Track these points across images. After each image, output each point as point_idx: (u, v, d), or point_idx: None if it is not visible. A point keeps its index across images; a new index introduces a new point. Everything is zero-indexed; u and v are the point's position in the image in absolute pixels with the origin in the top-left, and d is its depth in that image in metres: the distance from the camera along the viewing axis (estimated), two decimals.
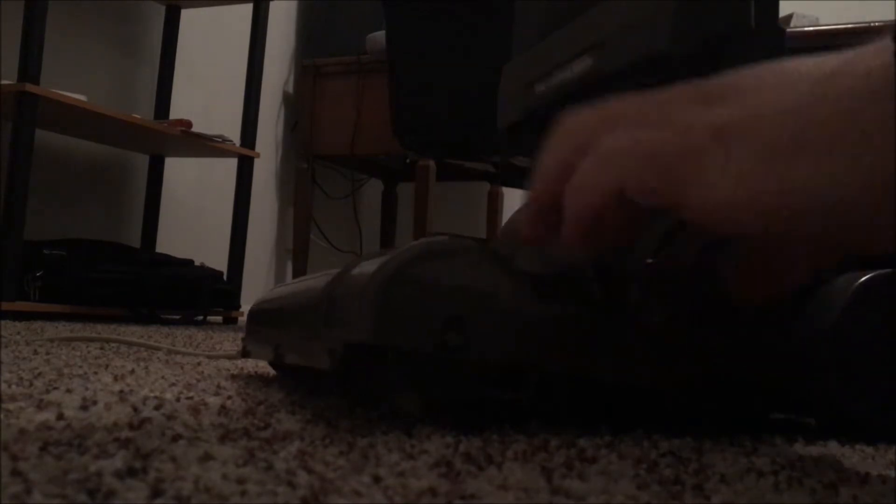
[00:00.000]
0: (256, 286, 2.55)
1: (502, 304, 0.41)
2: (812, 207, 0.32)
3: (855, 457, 0.40)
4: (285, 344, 0.52)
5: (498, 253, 0.42)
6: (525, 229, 0.41)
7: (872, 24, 1.65)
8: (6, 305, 1.58)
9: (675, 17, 0.46)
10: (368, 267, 0.42)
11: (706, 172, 0.34)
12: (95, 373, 0.63)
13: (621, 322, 0.43)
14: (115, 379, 0.59)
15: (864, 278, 0.45)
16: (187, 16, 2.30)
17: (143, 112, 2.13)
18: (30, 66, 1.65)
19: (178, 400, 0.48)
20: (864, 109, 0.31)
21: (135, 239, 2.19)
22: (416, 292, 0.39)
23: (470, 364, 0.41)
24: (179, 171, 2.33)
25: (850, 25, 1.70)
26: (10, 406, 0.42)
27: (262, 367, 0.76)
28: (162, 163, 2.24)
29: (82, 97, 1.77)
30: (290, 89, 2.78)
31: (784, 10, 1.95)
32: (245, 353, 0.67)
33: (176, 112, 2.23)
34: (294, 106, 2.75)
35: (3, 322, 1.39)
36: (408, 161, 2.20)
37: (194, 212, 2.41)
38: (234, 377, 0.66)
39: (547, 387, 0.43)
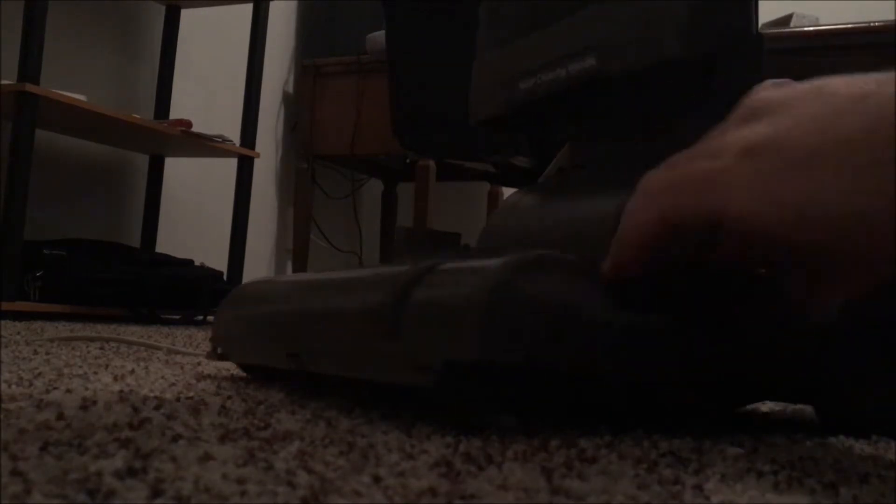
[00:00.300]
0: None
1: (594, 316, 0.41)
2: (825, 218, 0.33)
3: (855, 457, 0.40)
4: (313, 351, 0.49)
5: (580, 263, 0.42)
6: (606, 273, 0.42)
7: (872, 24, 1.65)
8: (6, 305, 1.58)
9: (687, 22, 0.47)
10: (454, 279, 0.40)
11: (735, 188, 0.36)
12: (95, 373, 0.63)
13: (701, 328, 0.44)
14: (115, 379, 0.59)
15: None
16: (187, 16, 2.30)
17: (143, 112, 2.13)
18: (30, 66, 1.65)
19: (178, 400, 0.48)
20: (883, 131, 0.32)
21: (135, 239, 2.20)
22: (520, 307, 0.39)
23: (564, 376, 0.41)
24: (179, 171, 2.33)
25: (850, 25, 1.70)
26: (10, 406, 0.42)
27: None
28: (162, 163, 2.24)
29: (82, 97, 1.77)
30: (290, 89, 2.78)
31: (784, 10, 1.96)
32: (220, 356, 0.63)
33: (176, 112, 2.23)
34: (294, 106, 2.75)
35: (3, 322, 1.39)
36: (408, 161, 2.20)
37: (194, 212, 2.41)
38: (234, 377, 0.66)
39: (631, 393, 0.44)
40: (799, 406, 0.62)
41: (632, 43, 0.49)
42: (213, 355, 0.63)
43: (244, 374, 0.68)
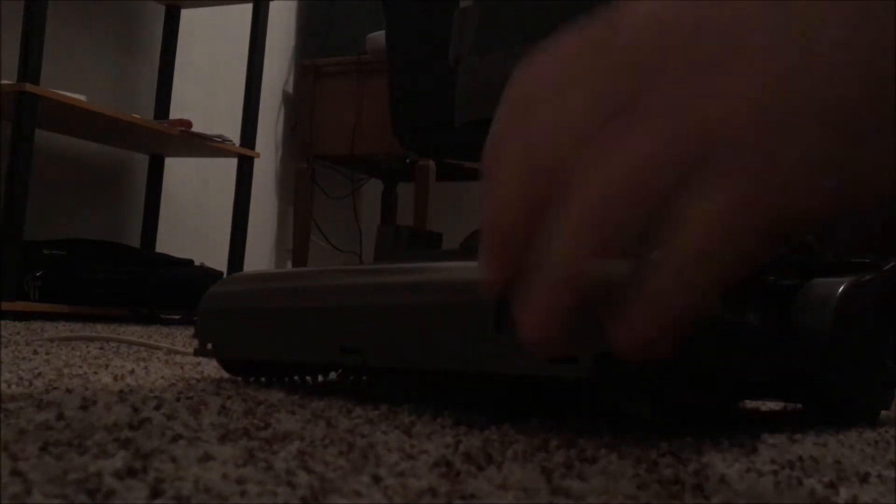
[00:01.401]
0: None
1: (721, 315, 0.43)
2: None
3: (855, 457, 0.40)
4: (382, 346, 0.49)
5: None
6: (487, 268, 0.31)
7: None
8: (6, 305, 1.58)
9: None
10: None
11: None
12: (95, 373, 0.63)
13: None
14: (115, 379, 0.59)
15: (847, 282, 0.50)
16: (187, 16, 2.30)
17: (143, 112, 2.13)
18: (30, 66, 1.65)
19: (178, 400, 0.48)
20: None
21: (135, 239, 2.19)
22: None
23: (690, 371, 0.44)
24: (179, 171, 2.33)
25: None
26: (10, 406, 0.42)
27: None
28: (162, 163, 2.24)
29: (82, 97, 1.77)
30: (290, 89, 2.78)
31: None
32: (216, 351, 0.60)
33: (176, 112, 2.23)
34: (294, 106, 2.75)
35: (3, 322, 1.39)
36: (408, 161, 2.20)
37: (194, 212, 2.41)
38: (233, 377, 0.66)
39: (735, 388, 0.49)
40: (798, 406, 0.62)
41: None
42: (204, 352, 0.61)
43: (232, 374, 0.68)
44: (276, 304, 0.57)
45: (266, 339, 0.57)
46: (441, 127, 1.96)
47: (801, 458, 0.38)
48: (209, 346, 0.61)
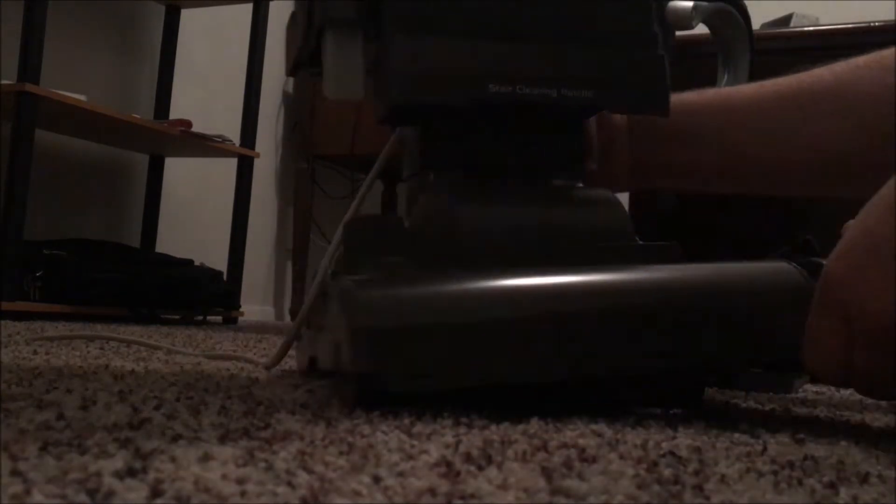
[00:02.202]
0: (256, 286, 2.55)
1: None
2: None
3: (855, 457, 0.40)
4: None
5: None
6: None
7: (872, 24, 1.65)
8: (6, 305, 1.58)
9: (669, 87, 0.59)
10: None
11: None
12: (95, 373, 0.63)
13: None
14: (115, 379, 0.59)
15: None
16: (187, 16, 2.30)
17: (143, 112, 2.12)
18: (30, 66, 1.65)
19: (178, 400, 0.48)
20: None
21: (135, 239, 2.19)
22: None
23: None
24: (179, 171, 2.33)
25: (850, 25, 1.70)
26: (10, 406, 0.42)
27: (260, 367, 0.76)
28: (162, 163, 2.24)
29: (82, 97, 1.77)
30: (290, 89, 2.77)
31: (784, 10, 1.96)
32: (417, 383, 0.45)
33: (176, 112, 2.22)
34: (294, 106, 2.75)
35: (3, 322, 1.39)
36: None
37: (194, 212, 2.40)
38: (233, 377, 0.66)
39: None
40: (801, 410, 0.62)
41: (630, 91, 0.58)
42: (398, 380, 0.45)
43: (244, 375, 0.68)
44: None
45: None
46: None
47: (801, 458, 0.38)
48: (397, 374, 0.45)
